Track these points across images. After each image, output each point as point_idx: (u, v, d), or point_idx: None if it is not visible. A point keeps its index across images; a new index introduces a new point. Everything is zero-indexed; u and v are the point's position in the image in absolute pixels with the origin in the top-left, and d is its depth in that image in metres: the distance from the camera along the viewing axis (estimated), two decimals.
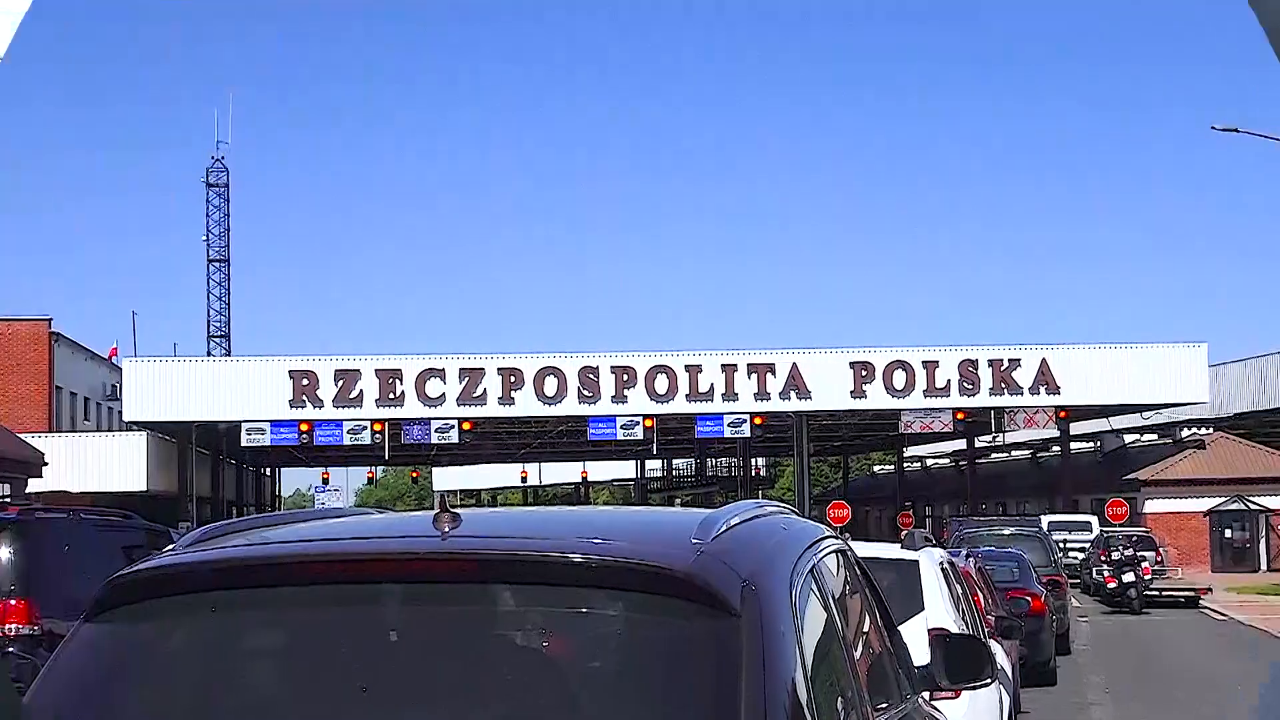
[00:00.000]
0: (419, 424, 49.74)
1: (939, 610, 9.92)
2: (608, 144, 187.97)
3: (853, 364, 50.85)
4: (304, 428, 48.81)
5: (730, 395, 50.17)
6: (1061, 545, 43.68)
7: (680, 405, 50.28)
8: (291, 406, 48.85)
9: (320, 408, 48.93)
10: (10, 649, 11.82)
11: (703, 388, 50.10)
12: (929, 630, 9.02)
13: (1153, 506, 56.41)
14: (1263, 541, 56.64)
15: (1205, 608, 37.23)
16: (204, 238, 67.94)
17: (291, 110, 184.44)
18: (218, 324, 68.46)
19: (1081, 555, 45.33)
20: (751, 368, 50.48)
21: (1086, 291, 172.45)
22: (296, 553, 3.42)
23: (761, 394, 50.33)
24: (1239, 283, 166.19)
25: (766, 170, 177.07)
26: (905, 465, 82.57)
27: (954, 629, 9.54)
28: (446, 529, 3.36)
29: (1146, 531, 47.44)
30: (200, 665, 3.30)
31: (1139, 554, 37.01)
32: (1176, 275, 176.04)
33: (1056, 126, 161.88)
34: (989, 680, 5.17)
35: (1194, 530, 56.18)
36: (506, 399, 49.57)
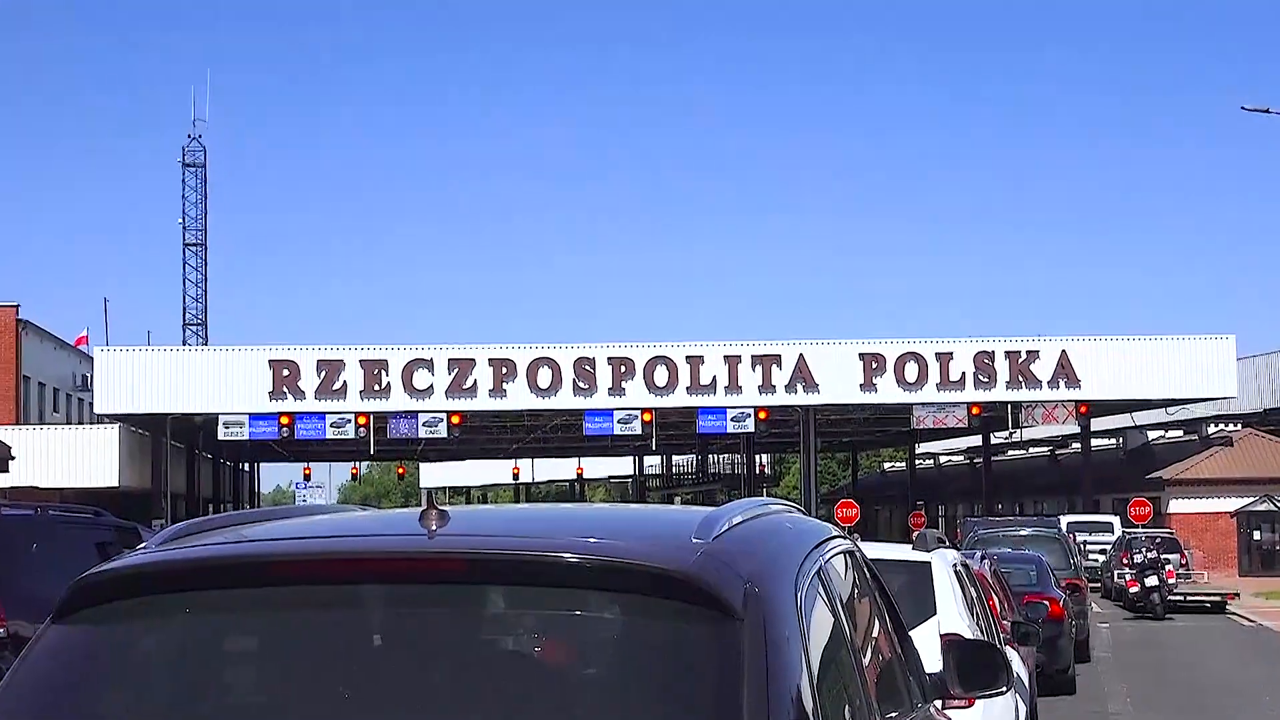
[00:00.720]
0: (405, 417, 49.73)
1: (952, 615, 9.92)
2: (605, 127, 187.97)
3: (862, 355, 50.85)
4: (284, 421, 48.79)
5: (733, 388, 50.15)
6: (1081, 547, 43.71)
7: (681, 398, 50.27)
8: (271, 398, 48.83)
9: (301, 400, 48.92)
10: None
11: (704, 380, 50.10)
12: (941, 636, 9.02)
13: (1177, 507, 56.43)
14: None
15: (1232, 613, 37.28)
16: (180, 221, 67.97)
17: (274, 92, 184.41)
18: (194, 311, 68.44)
19: (1102, 557, 45.37)
20: (756, 359, 50.47)
21: (1109, 281, 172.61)
22: (275, 551, 3.42)
23: (766, 387, 50.32)
24: (1269, 272, 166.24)
25: (772, 154, 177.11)
26: (917, 462, 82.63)
27: (968, 634, 9.54)
28: (434, 527, 3.35)
29: (1171, 533, 47.43)
30: (174, 669, 3.30)
31: (1163, 556, 37.00)
32: (1204, 265, 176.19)
33: (1077, 110, 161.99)
34: (1004, 688, 5.17)
35: (1221, 532, 56.21)
36: (498, 391, 49.57)
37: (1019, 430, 60.73)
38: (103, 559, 3.66)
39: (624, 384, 49.79)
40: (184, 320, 68.39)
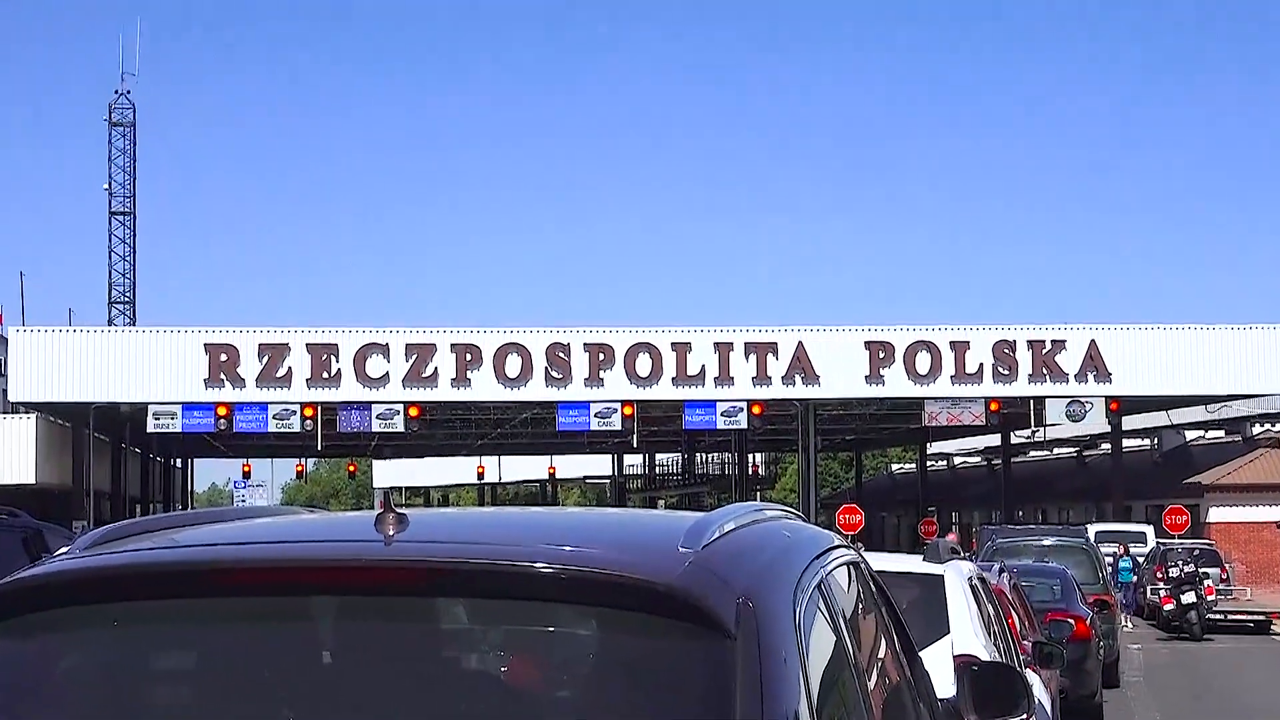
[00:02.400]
0: (357, 408, 49.70)
1: (967, 634, 9.97)
2: (578, 92, 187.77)
3: (868, 344, 50.92)
4: (221, 411, 48.72)
5: (725, 379, 50.21)
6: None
7: (665, 390, 50.30)
8: (207, 386, 48.76)
9: (241, 388, 48.86)
10: None
11: (692, 370, 50.14)
12: (955, 657, 9.08)
13: (1218, 515, 56.62)
14: None
15: (1277, 634, 37.45)
16: (105, 186, 67.86)
17: (211, 44, 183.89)
18: (120, 288, 68.35)
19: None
20: (750, 347, 50.53)
21: (1143, 263, 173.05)
22: (213, 558, 3.43)
23: (761, 378, 50.39)
24: None
25: (771, 123, 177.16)
26: (929, 464, 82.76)
27: (984, 656, 9.59)
28: (390, 532, 3.36)
29: (1210, 544, 47.63)
30: (100, 687, 3.30)
31: (1201, 571, 37.16)
32: (1250, 247, 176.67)
33: (1106, 81, 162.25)
34: (1024, 716, 5.20)
35: (1266, 543, 56.42)
36: (461, 380, 49.55)
37: (1042, 429, 60.89)
38: (21, 565, 3.67)
39: (602, 374, 49.81)
40: (109, 298, 68.35)
